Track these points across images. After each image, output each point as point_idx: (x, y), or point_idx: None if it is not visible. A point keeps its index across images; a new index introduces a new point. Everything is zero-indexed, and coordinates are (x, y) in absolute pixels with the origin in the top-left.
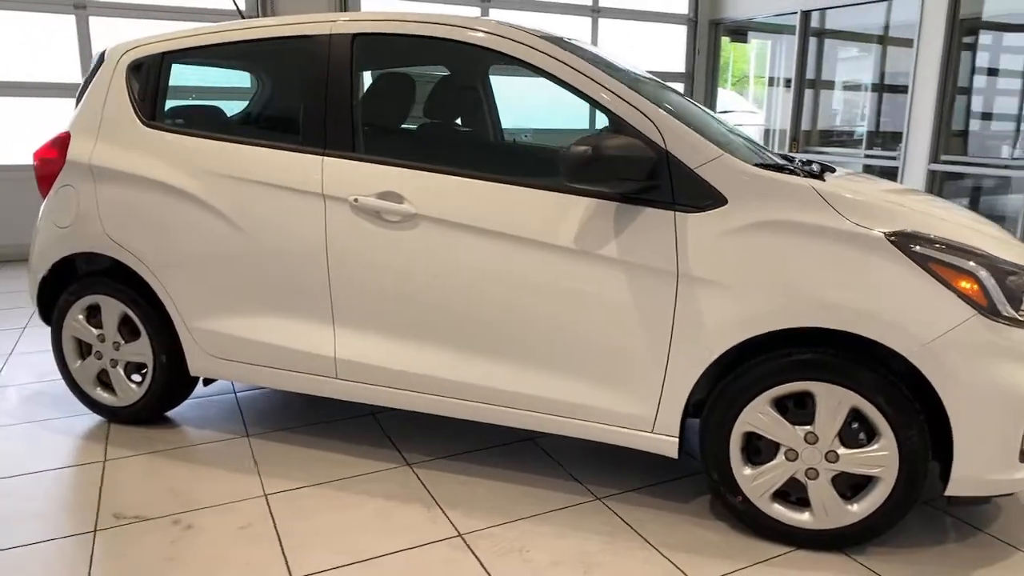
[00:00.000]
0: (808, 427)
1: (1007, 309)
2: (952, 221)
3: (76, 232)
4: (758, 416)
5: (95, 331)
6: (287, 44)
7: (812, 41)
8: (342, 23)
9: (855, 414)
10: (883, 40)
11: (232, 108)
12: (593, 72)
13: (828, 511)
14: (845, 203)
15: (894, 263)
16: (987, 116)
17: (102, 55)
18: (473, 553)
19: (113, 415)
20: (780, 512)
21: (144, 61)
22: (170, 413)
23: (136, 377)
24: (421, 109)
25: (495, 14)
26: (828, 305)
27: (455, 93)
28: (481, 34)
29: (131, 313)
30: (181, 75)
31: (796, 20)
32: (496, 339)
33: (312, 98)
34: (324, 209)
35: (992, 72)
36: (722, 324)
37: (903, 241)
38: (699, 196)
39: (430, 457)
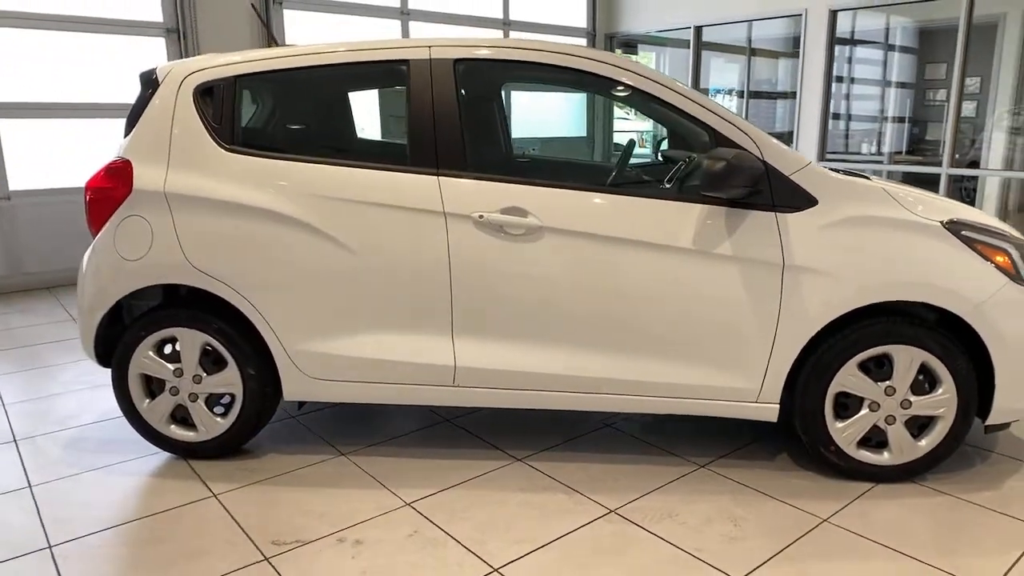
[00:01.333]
0: (887, 382)
1: None
2: (974, 211)
3: (151, 263)
4: (849, 378)
5: (170, 366)
6: (381, 68)
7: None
8: (441, 48)
9: (921, 367)
10: (753, 52)
11: (311, 130)
12: (695, 96)
13: (903, 449)
14: (907, 200)
15: (949, 245)
16: (849, 117)
17: (151, 78)
18: (633, 523)
19: (191, 452)
20: (865, 455)
21: (215, 84)
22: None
23: (217, 409)
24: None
25: (414, 27)
26: (905, 282)
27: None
28: (605, 65)
29: (216, 343)
30: (257, 98)
31: (690, 34)
32: (618, 335)
33: (419, 121)
34: (445, 226)
35: (852, 80)
36: (820, 305)
37: (955, 228)
38: (795, 198)
39: (533, 451)
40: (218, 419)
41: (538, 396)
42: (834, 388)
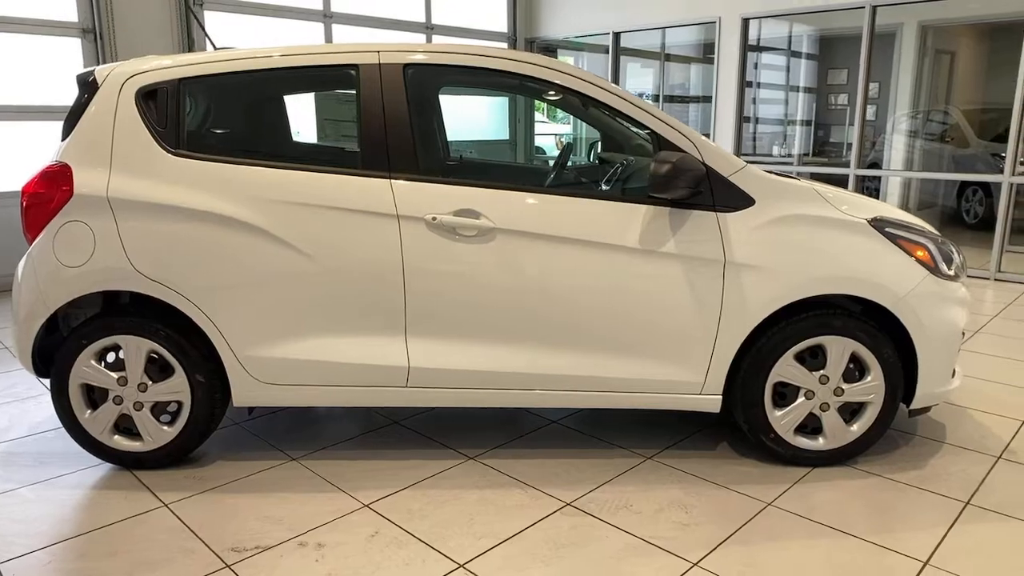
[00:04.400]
0: (821, 371)
1: (944, 269)
2: (895, 209)
3: (93, 270)
4: (786, 368)
5: (114, 375)
6: (330, 72)
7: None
8: (389, 54)
9: (851, 356)
10: (667, 58)
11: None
12: (637, 100)
13: (837, 434)
14: (835, 199)
15: (875, 241)
16: (757, 121)
17: (90, 81)
18: (590, 515)
19: (137, 462)
20: (802, 441)
21: (158, 87)
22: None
23: (163, 418)
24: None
25: (337, 30)
26: (836, 277)
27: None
28: (551, 71)
29: (162, 350)
30: (202, 102)
31: (609, 40)
32: (568, 332)
33: (370, 125)
34: (398, 228)
35: (759, 85)
36: (759, 299)
37: (879, 224)
38: (733, 198)
39: (484, 449)
40: (164, 427)
41: (490, 395)
42: (773, 378)
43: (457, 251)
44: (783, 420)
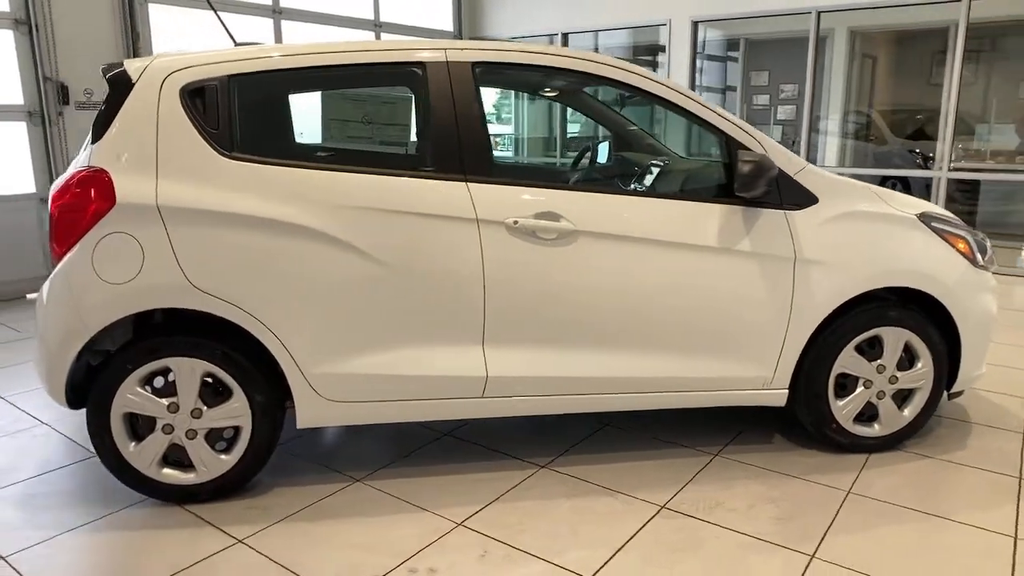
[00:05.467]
0: (878, 361)
1: (980, 260)
2: (931, 204)
3: (142, 286)
4: (848, 359)
5: (163, 401)
6: (394, 70)
7: None
8: (457, 51)
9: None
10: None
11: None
12: (703, 101)
13: (890, 421)
14: (887, 196)
15: (925, 235)
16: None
17: (122, 78)
18: (688, 516)
19: (188, 496)
20: (860, 429)
21: (205, 85)
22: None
23: (219, 445)
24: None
25: (286, 26)
26: (897, 270)
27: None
28: (628, 73)
29: (219, 371)
30: (255, 100)
31: (558, 41)
32: (646, 333)
33: (441, 125)
34: (478, 233)
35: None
36: (826, 294)
37: (926, 219)
38: (799, 197)
39: (551, 456)
40: (222, 456)
41: (566, 401)
42: (836, 370)
43: (538, 255)
44: (844, 410)
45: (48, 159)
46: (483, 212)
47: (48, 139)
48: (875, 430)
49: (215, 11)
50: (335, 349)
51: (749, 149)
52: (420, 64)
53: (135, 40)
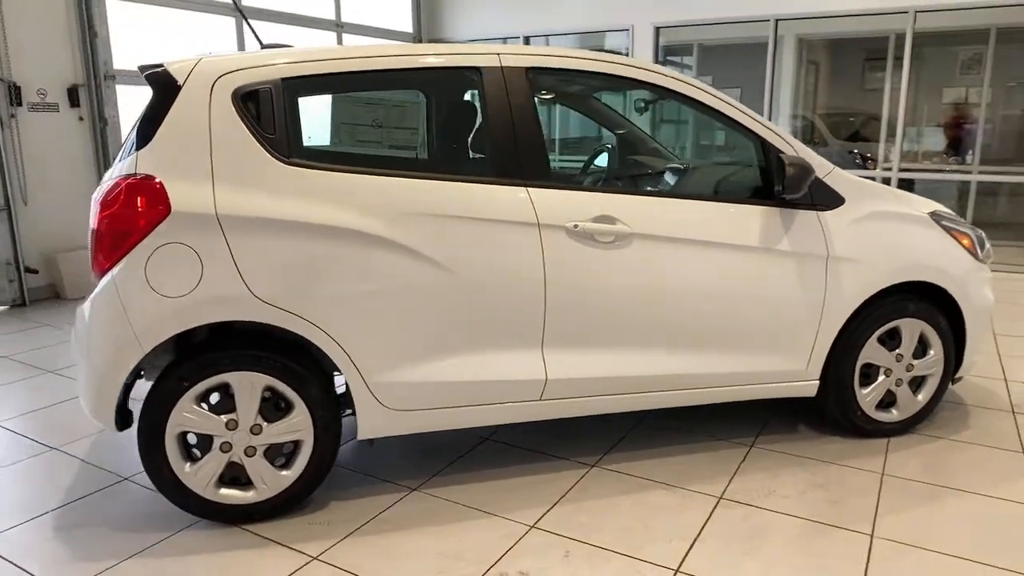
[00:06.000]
0: (897, 351)
1: (980, 254)
2: (937, 203)
3: (202, 299)
4: (872, 350)
5: (222, 418)
6: (450, 74)
7: None
8: (511, 56)
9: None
10: None
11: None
12: (744, 108)
13: (907, 406)
14: (904, 197)
15: (937, 232)
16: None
17: (166, 80)
18: (748, 504)
19: (246, 515)
20: (880, 415)
21: (259, 88)
22: None
23: (277, 461)
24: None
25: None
26: (915, 265)
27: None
28: (675, 80)
29: (280, 384)
30: (309, 104)
31: (519, 43)
32: (695, 331)
33: (497, 130)
34: (539, 237)
35: None
36: (855, 288)
37: (937, 217)
38: (829, 198)
39: (598, 455)
40: (282, 472)
41: (621, 400)
42: (861, 360)
43: (596, 258)
44: (868, 397)
45: (0, 163)
46: (544, 216)
47: (0, 142)
48: (893, 415)
49: (241, 13)
50: (398, 357)
51: (783, 152)
52: (476, 69)
53: (92, 38)
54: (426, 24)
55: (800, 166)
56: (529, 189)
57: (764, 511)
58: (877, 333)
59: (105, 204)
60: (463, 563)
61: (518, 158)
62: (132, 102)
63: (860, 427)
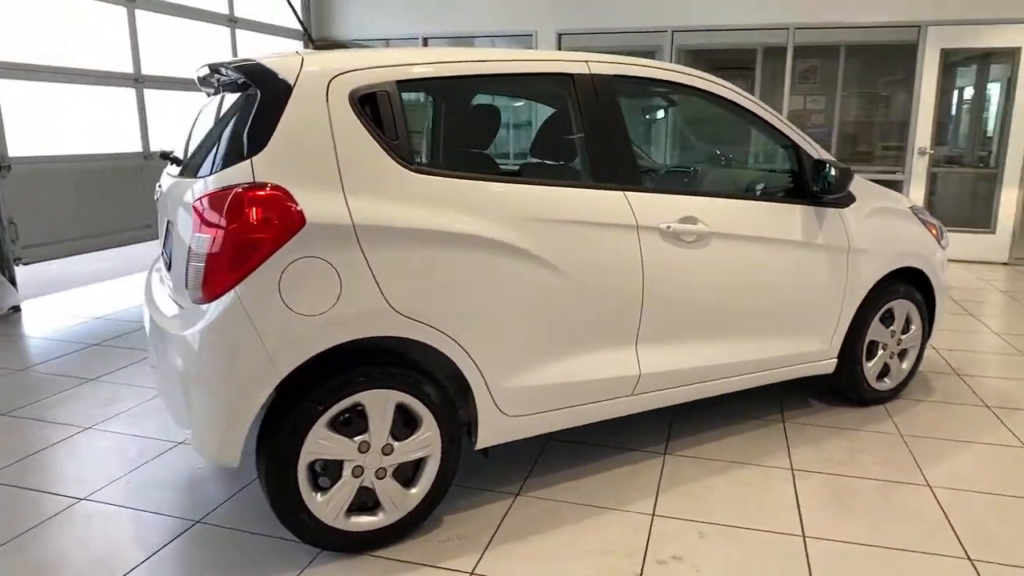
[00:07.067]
0: (891, 328)
1: (942, 242)
2: (911, 199)
3: (342, 316)
4: (875, 329)
5: (354, 441)
6: (547, 80)
7: None
8: (598, 64)
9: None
10: None
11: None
12: (783, 119)
13: (897, 375)
14: (892, 194)
15: (917, 224)
16: None
17: (272, 80)
18: (818, 472)
19: (370, 541)
20: (879, 385)
21: (376, 91)
22: None
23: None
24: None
25: (140, 16)
26: (907, 253)
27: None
28: (735, 93)
29: (410, 400)
30: (418, 108)
31: (418, 45)
32: (756, 321)
33: (595, 136)
34: (638, 239)
35: None
36: (867, 275)
37: (914, 211)
38: (846, 197)
39: (659, 443)
40: (411, 491)
41: (695, 388)
42: (868, 338)
43: (681, 256)
44: (872, 370)
45: None
46: (641, 218)
47: None
48: (887, 384)
49: (293, 9)
50: (519, 362)
51: (811, 156)
52: (569, 76)
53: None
54: (315, 22)
55: (844, 170)
56: (627, 193)
57: (835, 476)
58: (878, 314)
59: (234, 216)
60: (617, 557)
61: (614, 162)
62: None
63: (863, 396)
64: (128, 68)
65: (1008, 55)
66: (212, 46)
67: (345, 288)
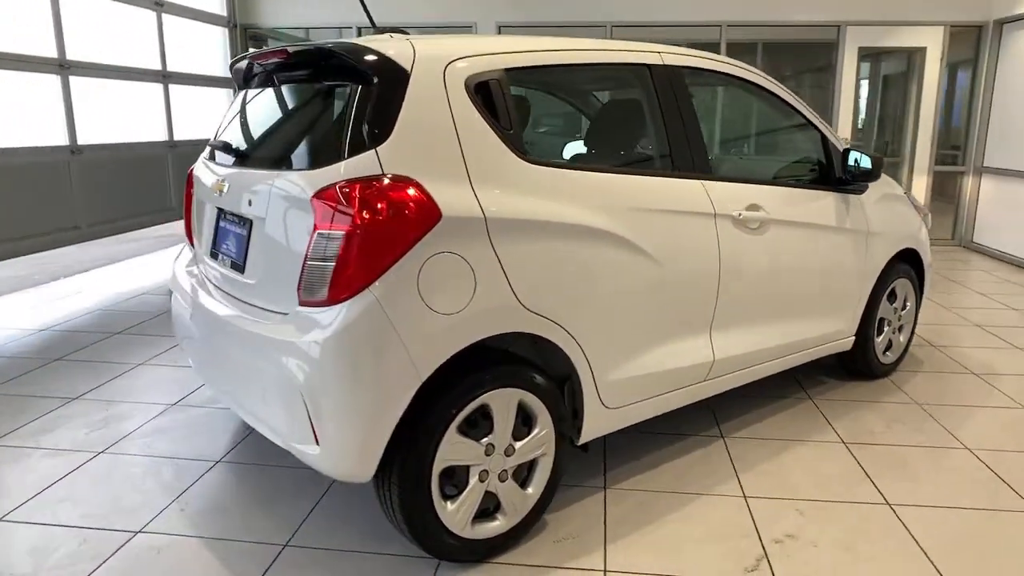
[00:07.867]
0: (895, 304)
1: (927, 222)
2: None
3: (476, 314)
4: (884, 307)
5: (480, 444)
6: (627, 71)
7: None
8: (670, 55)
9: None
10: None
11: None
12: (813, 112)
13: (898, 349)
14: (891, 181)
15: (911, 207)
16: None
17: (387, 64)
18: (865, 444)
19: (489, 549)
20: (885, 358)
21: (489, 80)
22: None
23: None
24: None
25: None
26: (908, 235)
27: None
28: (782, 89)
29: (529, 398)
30: (524, 98)
31: (353, 34)
32: (803, 302)
33: (673, 126)
34: (715, 226)
35: None
36: (880, 257)
37: (906, 196)
38: (865, 184)
39: (711, 427)
40: (528, 492)
41: (753, 371)
42: (878, 315)
43: (748, 243)
44: (881, 345)
45: None
46: (718, 207)
47: None
48: (890, 358)
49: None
50: (621, 354)
51: (834, 145)
52: (647, 67)
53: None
54: (239, 8)
55: (879, 158)
56: (702, 182)
57: (885, 447)
58: (885, 293)
59: (362, 208)
60: (735, 540)
61: (691, 152)
62: None
63: (872, 370)
64: (52, 52)
65: (917, 53)
66: (137, 31)
67: (480, 284)
